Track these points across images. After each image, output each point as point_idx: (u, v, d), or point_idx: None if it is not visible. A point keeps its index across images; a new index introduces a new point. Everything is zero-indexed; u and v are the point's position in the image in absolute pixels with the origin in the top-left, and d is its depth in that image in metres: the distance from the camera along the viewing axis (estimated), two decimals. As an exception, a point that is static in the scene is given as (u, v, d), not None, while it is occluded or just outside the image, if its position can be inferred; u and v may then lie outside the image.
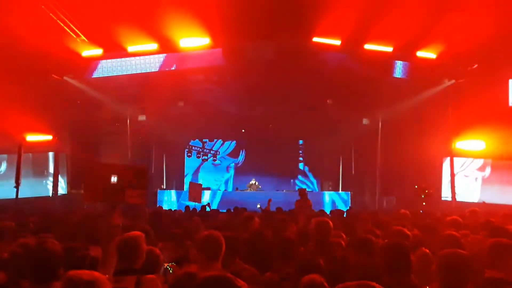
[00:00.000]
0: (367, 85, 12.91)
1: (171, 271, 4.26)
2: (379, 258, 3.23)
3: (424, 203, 12.88)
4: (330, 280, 2.73)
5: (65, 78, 12.55)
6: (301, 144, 18.73)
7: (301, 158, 18.68)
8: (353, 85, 13.16)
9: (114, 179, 4.12)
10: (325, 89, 14.14)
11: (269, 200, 10.57)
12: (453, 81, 12.38)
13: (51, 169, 14.05)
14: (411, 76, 11.94)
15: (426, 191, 12.87)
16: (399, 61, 11.80)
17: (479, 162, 14.54)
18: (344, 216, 8.80)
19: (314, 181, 18.63)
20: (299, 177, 18.78)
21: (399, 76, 11.90)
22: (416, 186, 13.56)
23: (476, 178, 14.49)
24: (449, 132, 13.19)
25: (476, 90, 12.06)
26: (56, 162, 13.36)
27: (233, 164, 19.18)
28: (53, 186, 13.42)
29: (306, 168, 18.73)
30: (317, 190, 17.61)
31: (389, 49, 10.90)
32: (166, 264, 4.32)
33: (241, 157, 19.31)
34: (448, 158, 13.89)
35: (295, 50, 11.61)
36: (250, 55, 11.29)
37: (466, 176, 14.56)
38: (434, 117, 13.48)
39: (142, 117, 14.86)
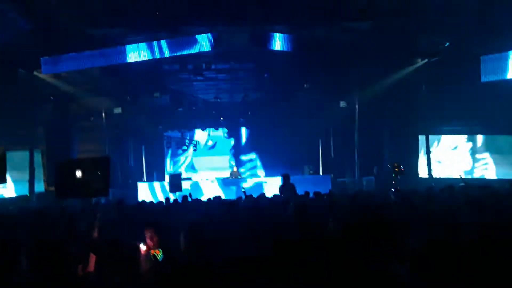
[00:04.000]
0: (342, 67, 12.97)
1: (159, 258, 4.25)
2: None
3: (394, 181, 13.09)
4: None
5: (35, 73, 12.18)
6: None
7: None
8: (329, 68, 13.21)
9: (78, 173, 4.05)
10: (301, 73, 14.16)
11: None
12: (426, 60, 12.54)
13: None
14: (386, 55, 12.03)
15: (396, 169, 13.06)
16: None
17: (456, 138, 14.91)
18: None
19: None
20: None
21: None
22: (388, 165, 13.76)
23: (456, 155, 14.85)
24: (424, 110, 13.41)
25: (449, 68, 12.29)
26: (31, 159, 12.98)
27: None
28: (29, 184, 13.06)
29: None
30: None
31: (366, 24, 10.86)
32: (152, 252, 4.29)
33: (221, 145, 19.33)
34: (424, 136, 14.15)
35: (270, 36, 11.55)
36: (224, 41, 11.16)
37: (446, 152, 14.93)
38: (409, 96, 13.68)
39: (117, 110, 14.59)
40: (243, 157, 19.06)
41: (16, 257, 3.07)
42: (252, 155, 19.03)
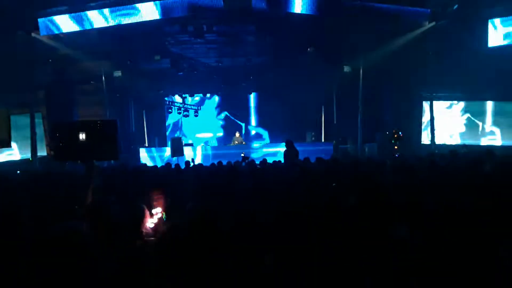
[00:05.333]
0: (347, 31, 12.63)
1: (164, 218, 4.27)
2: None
3: (396, 147, 13.07)
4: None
5: (33, 35, 11.92)
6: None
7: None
8: (334, 32, 12.87)
9: (82, 136, 3.92)
10: (306, 37, 13.80)
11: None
12: (433, 23, 12.18)
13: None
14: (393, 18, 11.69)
15: (396, 135, 13.00)
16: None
17: (462, 104, 14.79)
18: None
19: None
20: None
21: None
22: (387, 132, 13.68)
23: (459, 120, 14.80)
24: (429, 76, 13.18)
25: (456, 31, 11.97)
26: (32, 123, 12.93)
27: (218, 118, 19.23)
28: (31, 148, 13.09)
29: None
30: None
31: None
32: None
33: (223, 111, 19.22)
34: (429, 102, 13.98)
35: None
36: (226, 2, 10.82)
37: (451, 118, 14.87)
38: (414, 61, 13.39)
39: (117, 73, 14.37)
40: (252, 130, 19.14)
41: (19, 219, 3.05)
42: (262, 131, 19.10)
